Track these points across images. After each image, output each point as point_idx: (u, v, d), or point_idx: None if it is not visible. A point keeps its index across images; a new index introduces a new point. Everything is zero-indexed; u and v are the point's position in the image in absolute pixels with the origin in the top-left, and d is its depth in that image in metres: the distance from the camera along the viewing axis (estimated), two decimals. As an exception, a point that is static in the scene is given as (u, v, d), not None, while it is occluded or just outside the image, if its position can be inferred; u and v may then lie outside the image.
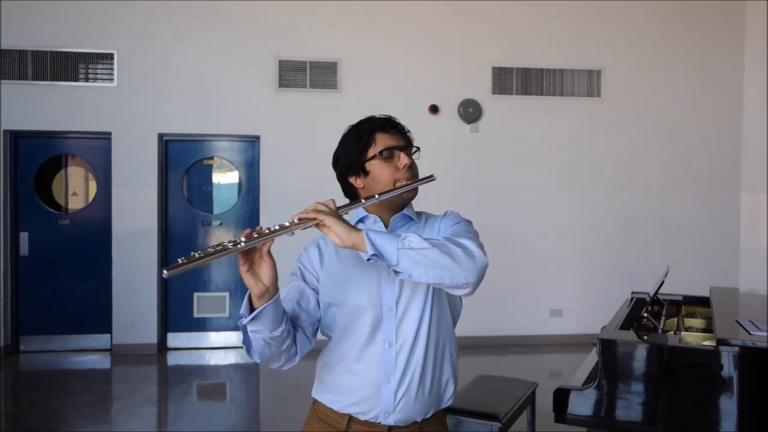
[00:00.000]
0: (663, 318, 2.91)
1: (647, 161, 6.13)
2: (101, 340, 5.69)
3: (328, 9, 5.72)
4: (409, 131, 1.62)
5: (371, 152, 1.53)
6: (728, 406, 2.17)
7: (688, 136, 6.17)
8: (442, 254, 1.30)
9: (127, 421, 4.08)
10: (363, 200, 1.44)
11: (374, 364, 1.49)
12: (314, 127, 5.68)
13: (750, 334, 2.32)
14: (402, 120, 1.63)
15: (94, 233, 5.70)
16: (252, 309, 1.35)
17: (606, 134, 6.08)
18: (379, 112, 1.65)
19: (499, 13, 5.92)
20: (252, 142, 5.86)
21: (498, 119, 5.94)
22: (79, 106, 5.53)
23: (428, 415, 1.55)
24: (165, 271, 1.17)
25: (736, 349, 2.19)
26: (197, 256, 1.20)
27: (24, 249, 5.63)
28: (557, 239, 6.02)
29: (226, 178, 6.05)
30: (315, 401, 1.62)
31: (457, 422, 2.84)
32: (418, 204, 1.64)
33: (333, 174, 1.62)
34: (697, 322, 3.05)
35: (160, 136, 5.70)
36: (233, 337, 5.81)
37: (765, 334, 2.28)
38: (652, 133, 6.13)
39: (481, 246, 1.39)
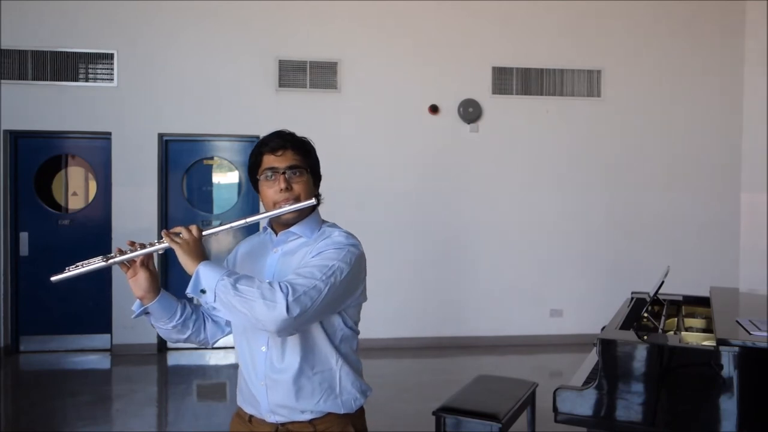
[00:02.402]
0: (663, 318, 2.91)
1: (647, 161, 6.12)
2: (101, 340, 5.69)
3: (328, 9, 5.72)
4: (306, 147, 1.66)
5: (258, 172, 1.64)
6: (728, 406, 2.17)
7: (688, 136, 6.17)
8: (243, 303, 1.40)
9: (127, 421, 4.08)
10: (229, 225, 1.59)
11: (253, 364, 1.63)
12: (314, 127, 5.61)
13: (750, 334, 2.32)
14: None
15: (94, 233, 5.70)
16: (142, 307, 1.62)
17: (606, 134, 6.08)
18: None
19: (499, 13, 5.92)
20: (252, 142, 5.86)
21: (498, 119, 5.94)
22: (79, 106, 5.53)
23: (315, 416, 1.60)
24: (52, 278, 1.56)
25: (736, 349, 2.19)
26: (81, 266, 1.57)
27: (24, 249, 5.63)
28: (557, 239, 6.02)
29: (226, 178, 6.05)
30: None
31: (457, 422, 2.84)
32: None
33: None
34: (697, 322, 3.04)
35: (160, 136, 5.69)
36: (233, 338, 5.80)
37: (765, 334, 2.28)
38: (652, 133, 6.13)
39: (297, 296, 1.42)
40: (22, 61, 5.43)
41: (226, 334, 1.78)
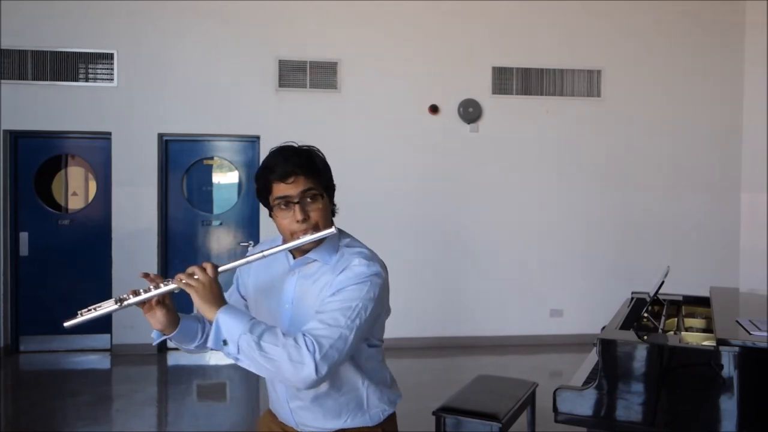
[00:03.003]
0: (663, 318, 2.91)
1: (647, 161, 6.12)
2: (101, 340, 5.69)
3: (328, 9, 5.72)
4: (319, 166, 1.54)
5: (271, 200, 1.53)
6: (728, 406, 2.17)
7: (688, 136, 6.17)
8: (268, 363, 1.36)
9: (127, 421, 4.08)
10: (246, 260, 1.49)
11: (277, 389, 1.62)
12: (314, 127, 5.67)
13: (750, 334, 2.32)
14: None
15: (94, 233, 5.70)
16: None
17: (606, 134, 6.08)
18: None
19: (499, 13, 5.92)
20: (252, 142, 5.86)
21: (498, 119, 5.93)
22: (79, 106, 5.53)
23: (348, 427, 1.59)
24: (65, 323, 1.46)
25: (736, 349, 2.19)
26: (93, 310, 1.46)
27: (24, 249, 5.63)
28: (557, 239, 6.02)
29: (226, 178, 6.05)
30: None
31: (457, 422, 2.84)
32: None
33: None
34: (697, 322, 3.04)
35: (160, 136, 5.69)
36: None
37: (765, 334, 2.28)
38: (652, 133, 6.13)
39: (324, 353, 1.36)
40: (22, 61, 5.43)
41: None
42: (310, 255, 1.56)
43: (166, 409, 4.47)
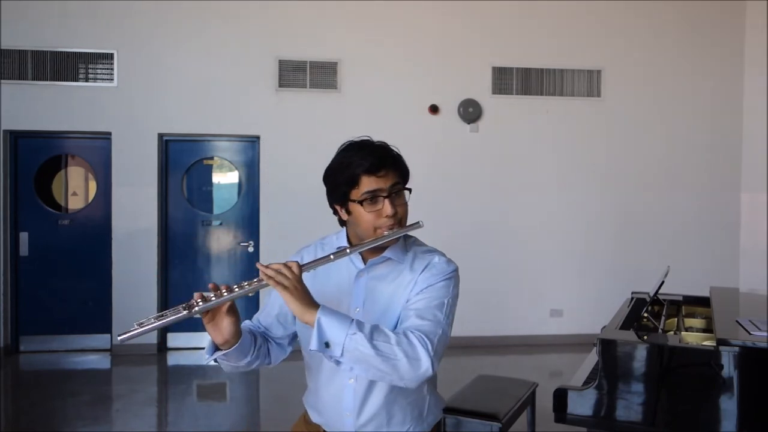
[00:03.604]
0: (663, 318, 2.91)
1: (647, 161, 6.12)
2: (101, 340, 5.69)
3: (328, 9, 5.72)
4: (401, 160, 1.51)
5: (354, 194, 1.46)
6: (728, 406, 2.17)
7: (688, 136, 6.17)
8: (384, 362, 1.29)
9: (127, 421, 4.08)
10: (332, 256, 1.40)
11: (338, 394, 1.52)
12: (314, 127, 5.68)
13: (750, 334, 2.32)
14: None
15: (94, 233, 5.70)
16: (216, 347, 1.43)
17: (606, 134, 6.08)
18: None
19: (499, 13, 5.92)
20: (252, 142, 5.86)
21: (498, 119, 5.93)
22: (79, 106, 5.53)
23: None
24: (119, 337, 1.29)
25: (736, 349, 2.19)
26: (152, 320, 1.28)
27: (24, 249, 5.63)
28: (557, 239, 6.02)
29: (226, 178, 6.05)
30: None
31: (457, 422, 2.84)
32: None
33: None
34: (697, 322, 3.04)
35: (160, 136, 5.69)
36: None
37: (765, 334, 2.28)
38: (652, 133, 6.13)
39: (435, 347, 1.34)
40: (22, 61, 5.43)
41: (288, 354, 1.67)
42: (387, 254, 1.51)
43: (166, 409, 4.47)
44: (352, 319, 1.32)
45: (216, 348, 1.43)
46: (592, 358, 2.83)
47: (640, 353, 2.32)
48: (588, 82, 6.02)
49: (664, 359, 2.28)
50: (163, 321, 1.28)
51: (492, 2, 5.90)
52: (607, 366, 2.35)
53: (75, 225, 5.76)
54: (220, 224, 5.89)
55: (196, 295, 1.33)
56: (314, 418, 1.61)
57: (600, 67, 6.03)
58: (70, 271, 5.66)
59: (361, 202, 1.45)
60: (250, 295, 1.34)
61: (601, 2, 6.02)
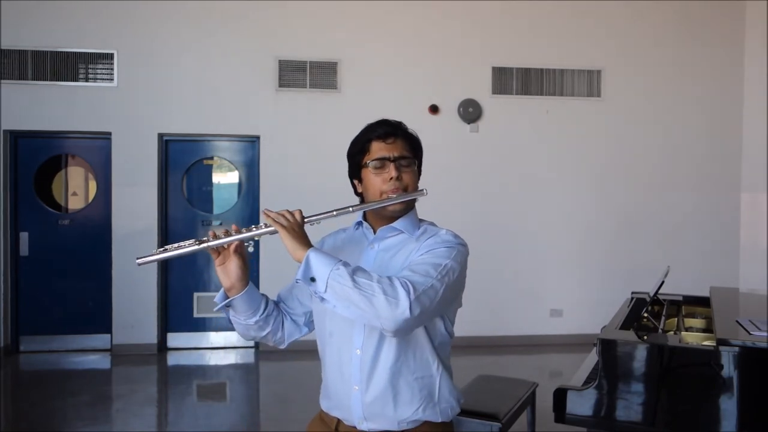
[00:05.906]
0: (663, 318, 2.91)
1: (647, 161, 6.12)
2: (101, 340, 5.69)
3: (328, 9, 5.72)
4: (415, 138, 1.60)
5: (365, 160, 1.56)
6: (728, 406, 2.17)
7: (688, 136, 6.17)
8: (362, 297, 1.32)
9: (127, 421, 4.08)
10: (334, 211, 1.48)
11: (345, 368, 1.53)
12: (314, 127, 5.67)
13: (750, 334, 2.32)
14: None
15: (94, 233, 5.70)
16: (227, 298, 1.54)
17: (606, 134, 6.08)
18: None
19: (499, 13, 5.92)
20: (252, 142, 5.86)
21: (498, 119, 5.94)
22: (79, 106, 5.53)
23: (410, 427, 1.52)
24: (138, 260, 1.48)
25: (736, 349, 2.19)
26: (170, 248, 1.45)
27: (24, 249, 5.63)
28: (557, 239, 6.02)
29: (226, 178, 6.05)
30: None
31: (457, 422, 2.84)
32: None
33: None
34: (697, 322, 3.04)
35: (160, 136, 5.69)
36: (233, 337, 5.80)
37: (765, 334, 2.28)
38: (652, 133, 6.13)
39: (418, 295, 1.35)
40: (22, 61, 5.43)
41: (303, 335, 1.69)
42: (396, 225, 1.56)
43: (166, 409, 4.47)
44: (340, 260, 1.37)
45: (226, 298, 1.54)
46: (592, 358, 2.83)
47: (640, 353, 2.32)
48: (588, 82, 6.02)
49: (664, 359, 2.28)
50: (181, 251, 1.45)
51: (492, 2, 5.90)
52: (607, 366, 2.35)
53: (75, 225, 5.76)
54: (220, 224, 5.89)
55: (209, 233, 1.47)
56: (325, 405, 1.61)
57: (600, 67, 6.03)
58: (70, 271, 5.66)
59: (371, 163, 1.54)
60: (256, 239, 1.46)
61: (601, 2, 6.02)
